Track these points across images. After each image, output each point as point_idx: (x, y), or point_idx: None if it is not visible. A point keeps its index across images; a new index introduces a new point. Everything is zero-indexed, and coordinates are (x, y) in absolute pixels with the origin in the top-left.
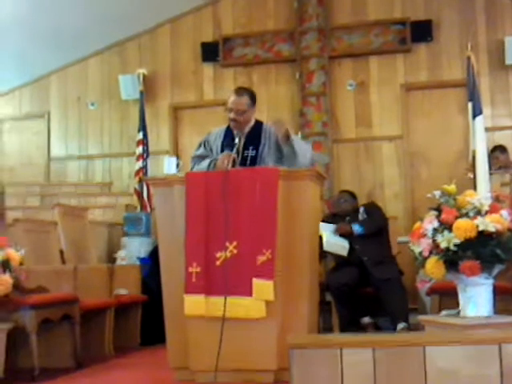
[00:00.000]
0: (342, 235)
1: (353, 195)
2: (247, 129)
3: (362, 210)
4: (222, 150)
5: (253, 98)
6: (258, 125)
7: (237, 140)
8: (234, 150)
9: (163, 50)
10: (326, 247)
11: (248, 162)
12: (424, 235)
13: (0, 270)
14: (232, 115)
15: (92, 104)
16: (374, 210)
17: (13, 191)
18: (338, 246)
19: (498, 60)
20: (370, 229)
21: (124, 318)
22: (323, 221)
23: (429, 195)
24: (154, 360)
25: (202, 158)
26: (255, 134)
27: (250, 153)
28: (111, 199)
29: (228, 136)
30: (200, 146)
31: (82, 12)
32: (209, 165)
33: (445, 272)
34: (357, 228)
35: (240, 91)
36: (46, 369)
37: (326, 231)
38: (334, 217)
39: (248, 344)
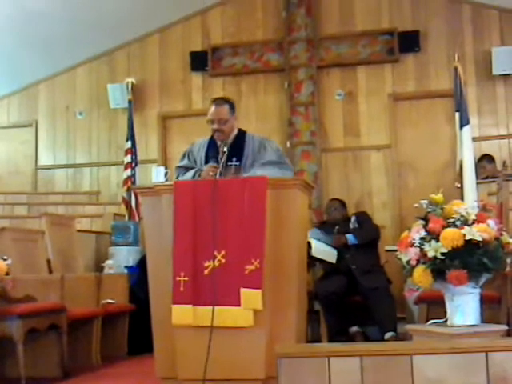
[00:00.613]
0: (336, 247)
1: (343, 203)
2: (231, 138)
3: (353, 219)
4: (207, 161)
5: (232, 106)
6: (241, 134)
7: (225, 149)
8: (221, 162)
9: (152, 59)
10: (314, 253)
11: (232, 172)
12: (411, 244)
13: None
14: (215, 126)
15: (80, 113)
16: (366, 220)
17: (0, 200)
18: (326, 252)
19: (484, 70)
20: (364, 239)
21: (111, 328)
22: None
23: (416, 204)
24: (142, 369)
25: (186, 169)
26: (239, 144)
27: (234, 163)
28: (99, 208)
29: (212, 147)
30: (184, 156)
31: (71, 20)
32: (193, 176)
33: (432, 281)
34: (351, 239)
35: (219, 101)
36: (32, 378)
37: (316, 240)
38: (323, 225)
39: (236, 353)
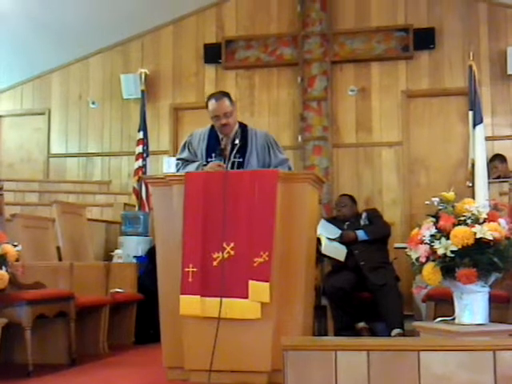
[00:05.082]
0: (345, 242)
1: (353, 200)
2: (232, 133)
3: (364, 215)
4: (207, 154)
5: (230, 98)
6: (243, 128)
7: (228, 147)
8: (226, 159)
9: (166, 50)
10: (324, 251)
11: (235, 168)
12: (421, 241)
13: None
14: (223, 121)
15: (93, 102)
16: (377, 216)
17: (12, 187)
18: (336, 250)
19: (499, 69)
20: (375, 235)
21: (119, 316)
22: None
23: (427, 202)
24: (149, 359)
25: (186, 161)
26: (241, 139)
27: (237, 159)
28: (109, 198)
29: (212, 139)
30: (184, 148)
31: (86, 10)
32: (196, 170)
33: (441, 279)
34: (362, 235)
35: (217, 95)
36: (40, 365)
37: (326, 235)
38: (333, 221)
39: (243, 345)
